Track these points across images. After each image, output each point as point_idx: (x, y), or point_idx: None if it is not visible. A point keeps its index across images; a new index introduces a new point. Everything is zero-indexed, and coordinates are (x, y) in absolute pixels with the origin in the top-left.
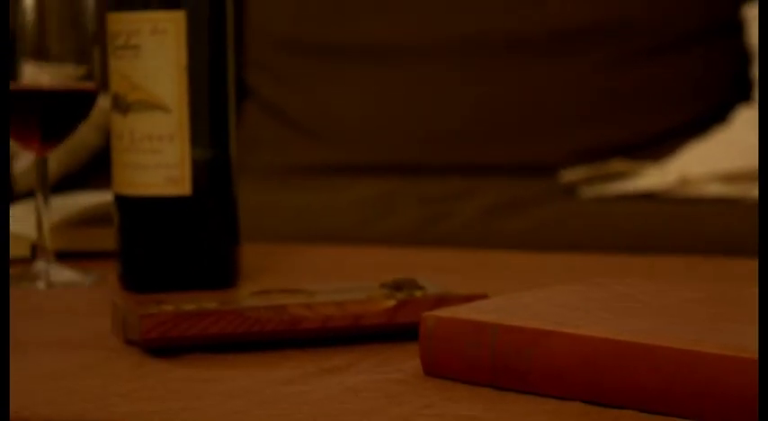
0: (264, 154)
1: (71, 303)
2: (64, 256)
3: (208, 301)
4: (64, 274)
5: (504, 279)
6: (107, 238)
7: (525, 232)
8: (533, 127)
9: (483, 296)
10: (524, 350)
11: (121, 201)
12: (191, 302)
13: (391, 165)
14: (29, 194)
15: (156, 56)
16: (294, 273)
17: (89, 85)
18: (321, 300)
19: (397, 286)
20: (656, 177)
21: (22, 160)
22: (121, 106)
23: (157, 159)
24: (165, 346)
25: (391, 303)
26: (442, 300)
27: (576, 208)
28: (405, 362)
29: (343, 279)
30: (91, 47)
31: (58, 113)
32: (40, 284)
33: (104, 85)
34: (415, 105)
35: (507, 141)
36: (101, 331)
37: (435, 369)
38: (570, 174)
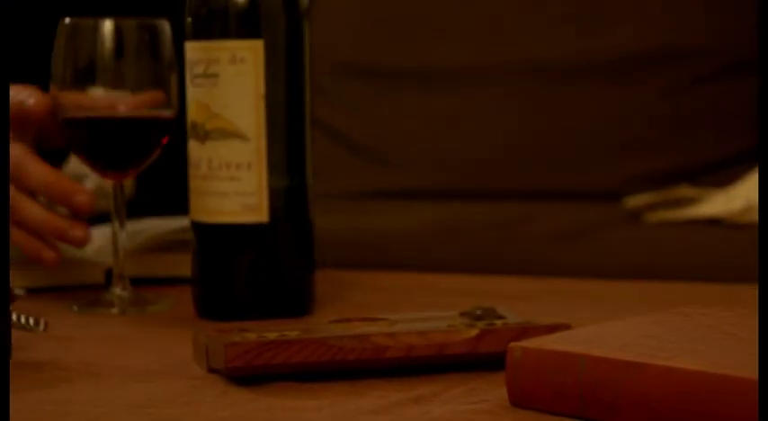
0: (323, 179)
1: (148, 330)
2: (138, 282)
3: (289, 330)
4: (139, 301)
5: (579, 308)
6: (181, 265)
7: (592, 258)
8: (596, 152)
9: (566, 326)
10: (613, 381)
11: (199, 227)
12: (272, 331)
13: (453, 189)
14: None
15: (234, 84)
16: (367, 300)
17: (166, 113)
18: (403, 328)
19: (477, 315)
20: (721, 203)
21: (89, 183)
22: (199, 134)
23: (235, 187)
24: (249, 375)
25: (474, 333)
26: (525, 330)
27: (642, 234)
28: (490, 391)
29: (415, 305)
30: (168, 74)
31: (135, 141)
32: (115, 310)
33: (181, 112)
34: (475, 130)
35: (570, 167)
36: (181, 359)
37: (522, 399)
38: (634, 200)
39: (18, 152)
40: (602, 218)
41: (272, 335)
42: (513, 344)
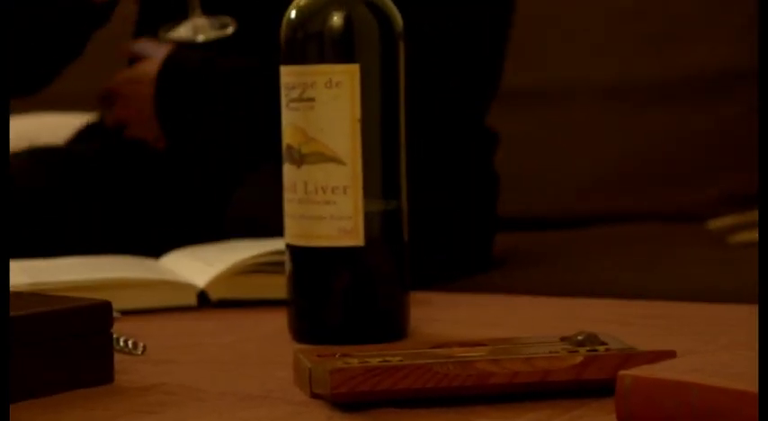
0: None
1: (245, 353)
2: (230, 305)
3: (391, 355)
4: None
5: (674, 332)
6: (276, 287)
7: (677, 281)
8: (679, 174)
9: (671, 353)
10: (728, 411)
11: (294, 251)
12: (374, 356)
13: (536, 213)
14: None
15: (330, 108)
16: (458, 323)
17: None
18: (505, 354)
19: (579, 341)
20: None
21: None
22: (295, 158)
23: (331, 211)
24: (354, 401)
25: (578, 359)
26: (629, 357)
27: (726, 256)
28: (597, 419)
29: (508, 329)
30: None
31: None
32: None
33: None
34: (559, 153)
35: (653, 189)
36: (282, 383)
37: None
38: (718, 222)
39: None
40: (687, 240)
41: (374, 361)
42: (622, 372)
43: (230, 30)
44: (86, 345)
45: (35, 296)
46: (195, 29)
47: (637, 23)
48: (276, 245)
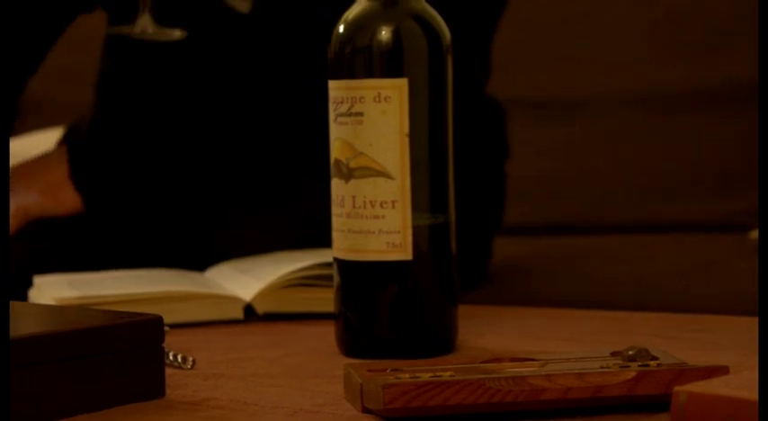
0: None
1: (293, 367)
2: (275, 318)
3: (441, 370)
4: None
5: (720, 345)
6: (323, 301)
7: (720, 292)
8: (719, 183)
9: (725, 369)
10: None
11: (342, 265)
12: (425, 371)
13: (571, 222)
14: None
15: (379, 123)
16: (504, 336)
17: None
18: (557, 369)
19: (630, 356)
20: None
21: None
22: (343, 172)
23: (379, 225)
24: (406, 416)
25: (631, 374)
26: (683, 373)
27: None
28: None
29: (555, 342)
30: None
31: None
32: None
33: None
34: (594, 160)
35: (694, 199)
36: (331, 397)
37: None
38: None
39: None
40: (728, 250)
41: (426, 376)
42: (677, 388)
43: (177, 34)
44: (138, 360)
45: (86, 310)
46: (143, 28)
47: (669, 32)
48: (322, 257)
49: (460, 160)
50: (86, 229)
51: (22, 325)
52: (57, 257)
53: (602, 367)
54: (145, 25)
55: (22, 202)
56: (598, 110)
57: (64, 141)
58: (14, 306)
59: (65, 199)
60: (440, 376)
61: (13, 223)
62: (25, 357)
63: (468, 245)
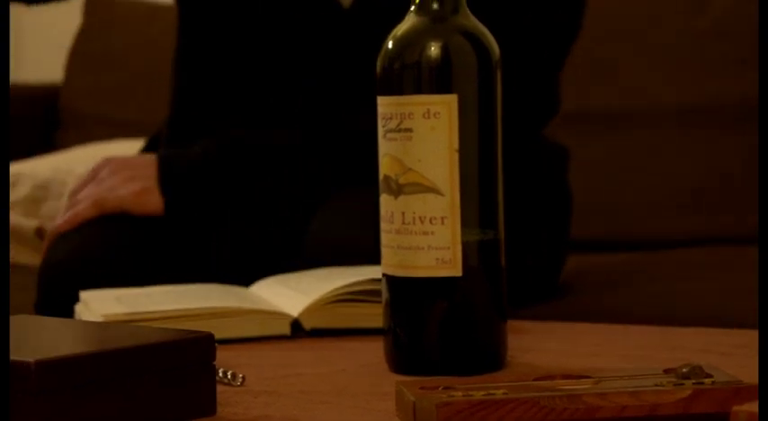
0: None
1: (342, 384)
2: (322, 333)
3: (494, 388)
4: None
5: None
6: (367, 316)
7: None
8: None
9: None
10: None
11: (391, 280)
12: (478, 389)
13: (610, 237)
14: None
15: (428, 139)
16: (554, 353)
17: None
18: (611, 387)
19: (684, 373)
20: None
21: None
22: (392, 188)
23: (429, 241)
24: None
25: (687, 393)
26: (738, 391)
27: None
28: None
29: (605, 359)
30: None
31: None
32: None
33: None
34: (634, 174)
35: (748, 212)
36: (383, 414)
37: None
38: None
39: None
40: None
41: (479, 394)
42: (736, 407)
43: None
44: (190, 377)
45: (137, 327)
46: None
47: (715, 45)
48: (369, 273)
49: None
50: (154, 235)
51: (73, 343)
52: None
53: (656, 385)
54: None
55: (103, 193)
56: (646, 122)
57: (149, 150)
58: (66, 323)
59: (148, 201)
60: (493, 394)
61: (89, 211)
62: (78, 376)
63: (526, 261)
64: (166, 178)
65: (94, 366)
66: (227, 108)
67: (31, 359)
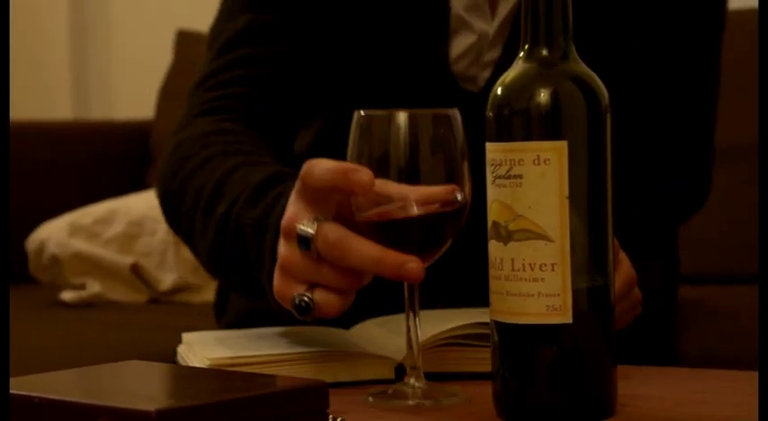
0: None
1: None
2: (435, 377)
3: None
4: (434, 393)
5: None
6: (472, 361)
7: None
8: None
9: None
10: None
11: (500, 327)
12: None
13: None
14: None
15: (538, 185)
16: (663, 400)
17: (459, 204)
18: None
19: None
20: None
21: None
22: (501, 235)
23: (539, 288)
24: None
25: None
26: None
27: None
28: None
29: (715, 407)
30: (461, 165)
31: (430, 236)
32: (411, 402)
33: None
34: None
35: None
36: None
37: None
38: None
39: (336, 231)
40: None
41: None
42: None
43: None
44: None
45: (249, 375)
46: None
47: None
48: (473, 317)
49: None
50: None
51: (189, 391)
52: None
53: None
54: None
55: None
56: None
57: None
58: (176, 369)
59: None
60: None
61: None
62: None
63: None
64: None
65: (213, 416)
66: None
67: (151, 408)
